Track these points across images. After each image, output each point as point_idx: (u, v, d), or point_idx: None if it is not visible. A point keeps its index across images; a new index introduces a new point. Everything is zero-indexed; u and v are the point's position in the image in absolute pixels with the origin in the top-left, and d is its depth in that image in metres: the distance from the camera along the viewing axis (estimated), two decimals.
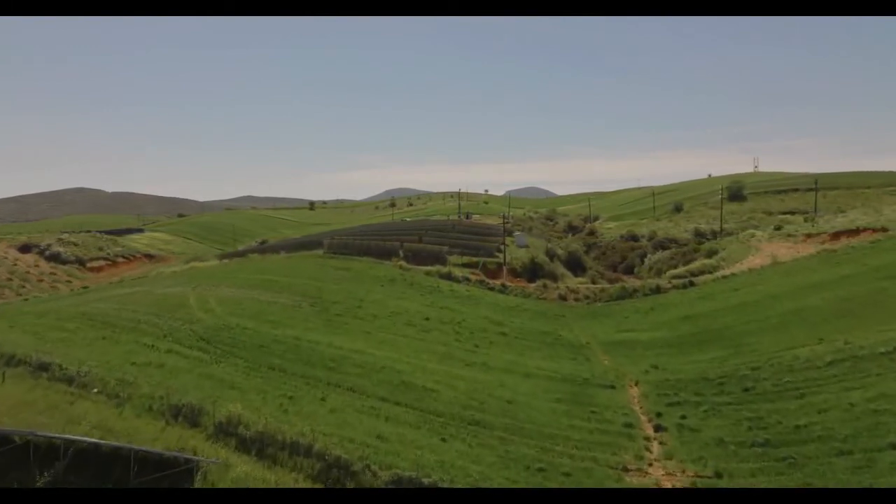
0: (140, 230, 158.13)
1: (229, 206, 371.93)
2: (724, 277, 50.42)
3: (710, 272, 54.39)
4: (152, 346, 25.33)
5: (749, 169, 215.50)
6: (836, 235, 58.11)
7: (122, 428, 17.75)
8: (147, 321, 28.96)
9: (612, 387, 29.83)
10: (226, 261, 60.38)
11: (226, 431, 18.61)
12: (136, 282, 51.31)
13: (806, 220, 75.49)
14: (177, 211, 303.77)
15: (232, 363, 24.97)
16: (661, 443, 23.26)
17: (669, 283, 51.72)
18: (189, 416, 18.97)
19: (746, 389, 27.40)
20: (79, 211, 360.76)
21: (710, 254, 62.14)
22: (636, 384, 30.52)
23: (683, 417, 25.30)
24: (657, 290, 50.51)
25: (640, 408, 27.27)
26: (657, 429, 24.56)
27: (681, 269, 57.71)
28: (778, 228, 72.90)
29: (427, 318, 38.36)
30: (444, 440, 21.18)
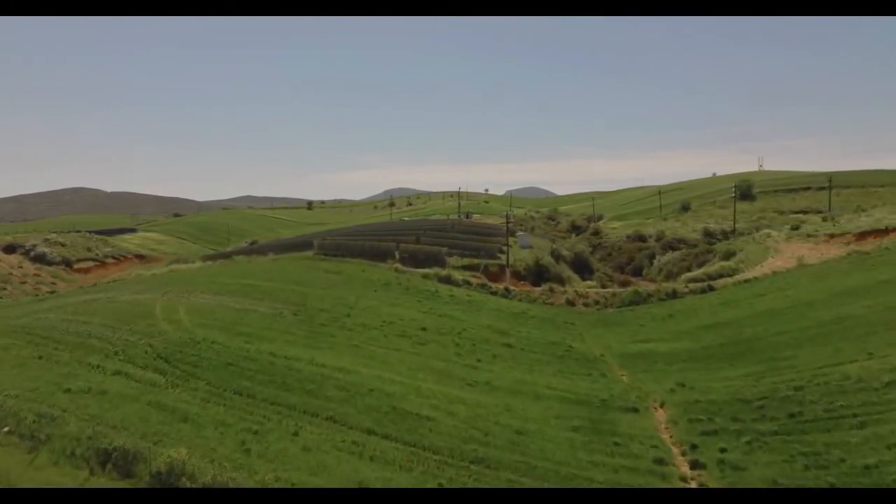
0: (133, 230, 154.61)
1: (227, 206, 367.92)
2: (746, 281, 46.59)
3: (730, 275, 50.57)
4: (98, 366, 21.47)
5: (751, 168, 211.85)
6: (863, 235, 54.43)
7: (31, 481, 13.89)
8: (98, 335, 25.09)
9: (635, 410, 25.99)
10: (209, 263, 56.53)
11: (165, 483, 14.75)
12: (110, 286, 47.46)
13: (825, 220, 71.65)
14: (176, 211, 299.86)
15: (191, 387, 21.11)
16: (701, 485, 19.44)
17: (686, 287, 47.89)
18: (120, 464, 15.12)
19: (793, 415, 23.57)
20: (77, 211, 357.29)
21: (728, 255, 58.25)
22: (661, 406, 26.70)
23: (724, 451, 21.46)
24: (674, 294, 46.71)
25: (671, 437, 23.44)
26: (694, 465, 20.72)
27: (697, 272, 53.87)
28: (795, 228, 69.07)
29: (423, 328, 34.51)
30: (441, 486, 17.35)
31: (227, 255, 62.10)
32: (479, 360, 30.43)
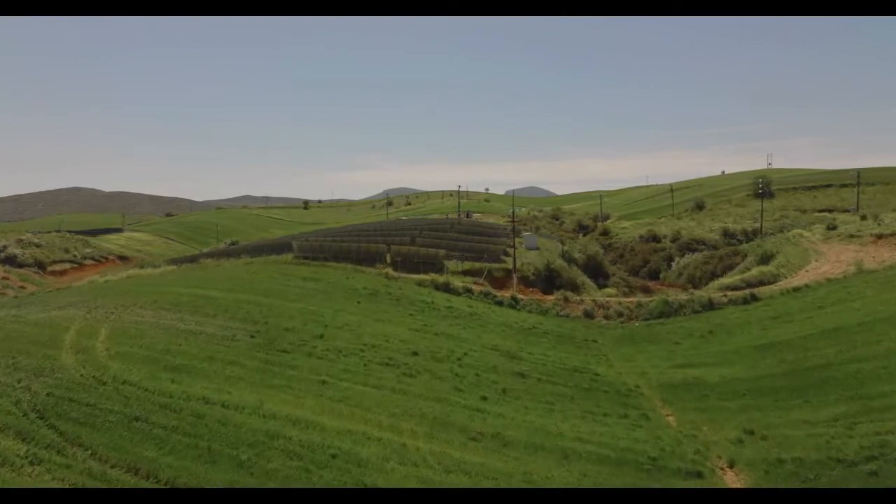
0: (118, 230, 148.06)
1: (224, 206, 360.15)
2: (796, 290, 39.68)
3: (772, 282, 43.76)
4: None
5: (755, 167, 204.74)
6: None
7: None
8: None
9: (698, 474, 19.16)
10: (172, 267, 49.70)
11: None
12: (48, 296, 40.58)
13: (864, 219, 64.84)
14: (174, 211, 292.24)
15: (62, 464, 14.28)
16: None
17: (724, 296, 41.03)
18: None
19: None
20: (74, 210, 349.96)
21: (766, 258, 51.34)
22: (731, 466, 19.89)
23: None
24: (710, 304, 39.87)
25: None
26: None
27: (734, 278, 46.97)
28: (832, 228, 62.25)
29: (415, 353, 27.67)
30: None
31: (193, 259, 55.21)
32: (484, 398, 23.59)
